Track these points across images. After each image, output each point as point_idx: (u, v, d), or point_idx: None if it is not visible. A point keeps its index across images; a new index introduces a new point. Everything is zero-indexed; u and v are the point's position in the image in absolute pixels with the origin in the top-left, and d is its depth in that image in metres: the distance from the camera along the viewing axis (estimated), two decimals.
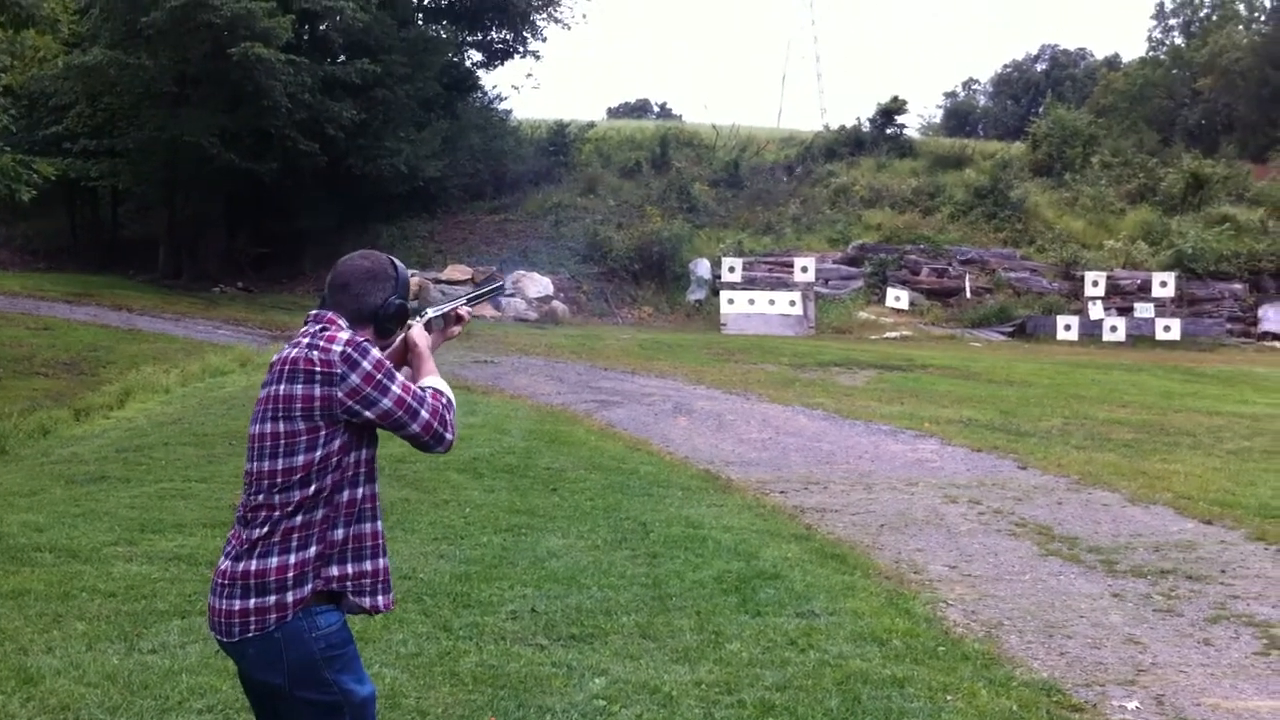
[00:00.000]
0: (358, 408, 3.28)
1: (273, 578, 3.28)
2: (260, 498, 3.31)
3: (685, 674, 5.76)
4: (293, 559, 3.29)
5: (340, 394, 3.26)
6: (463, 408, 14.57)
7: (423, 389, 3.40)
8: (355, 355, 3.28)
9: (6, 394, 15.56)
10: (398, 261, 3.56)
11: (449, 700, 5.38)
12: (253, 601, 3.28)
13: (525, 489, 10.21)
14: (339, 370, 3.25)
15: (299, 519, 3.30)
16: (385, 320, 3.47)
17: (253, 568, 3.28)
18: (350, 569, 3.38)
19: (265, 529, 3.29)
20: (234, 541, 3.37)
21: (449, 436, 3.42)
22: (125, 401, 14.82)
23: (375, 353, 3.33)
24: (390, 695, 5.27)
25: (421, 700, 5.35)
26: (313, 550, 3.31)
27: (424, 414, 3.35)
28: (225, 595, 3.33)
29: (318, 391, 3.26)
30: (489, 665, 5.81)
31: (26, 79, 28.08)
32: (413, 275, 29.20)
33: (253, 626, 3.28)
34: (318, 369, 3.26)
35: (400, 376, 3.37)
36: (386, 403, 3.29)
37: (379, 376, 3.29)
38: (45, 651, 5.89)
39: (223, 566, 3.36)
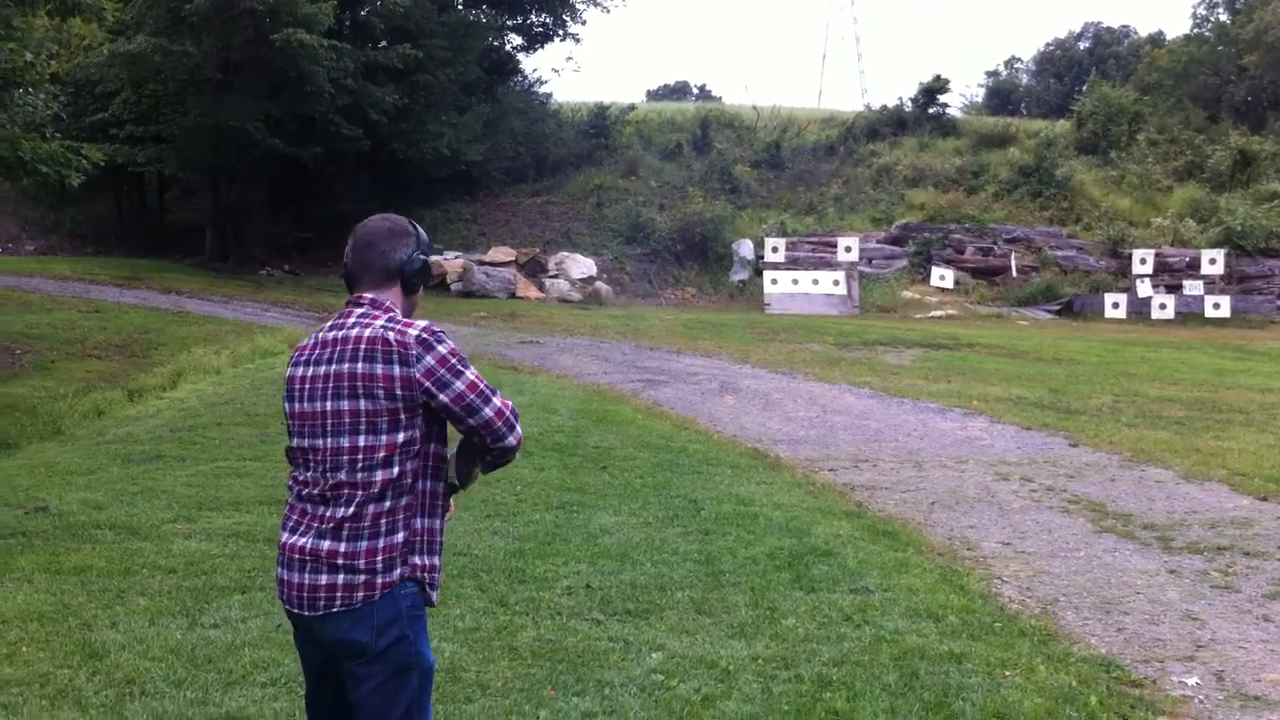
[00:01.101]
0: (433, 389, 3.32)
1: (362, 561, 3.33)
2: (342, 475, 3.34)
3: (742, 649, 5.79)
4: (382, 543, 3.34)
5: (418, 374, 3.31)
6: (510, 387, 14.68)
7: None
8: (430, 340, 3.35)
9: (61, 375, 15.77)
10: (415, 223, 3.62)
11: (508, 674, 5.42)
12: (341, 578, 3.33)
13: (575, 467, 10.25)
14: (414, 351, 3.31)
15: (386, 504, 3.34)
16: (410, 276, 3.53)
17: (341, 549, 3.33)
18: (425, 561, 3.45)
19: (350, 509, 3.33)
20: (307, 518, 3.40)
21: (520, 430, 3.48)
22: (177, 382, 14.98)
23: (449, 344, 3.38)
24: (450, 669, 5.32)
25: (481, 674, 5.40)
26: (400, 537, 3.37)
27: (496, 401, 3.41)
28: (309, 571, 3.37)
29: (397, 371, 3.31)
30: (546, 640, 5.86)
31: (73, 66, 28.37)
32: (456, 257, 29.38)
33: (339, 602, 3.33)
34: (395, 349, 3.31)
35: (474, 367, 3.43)
36: (460, 385, 3.34)
37: (453, 361, 3.35)
38: (109, 626, 5.99)
39: (300, 543, 3.38)
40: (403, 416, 3.34)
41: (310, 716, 3.66)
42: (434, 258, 3.80)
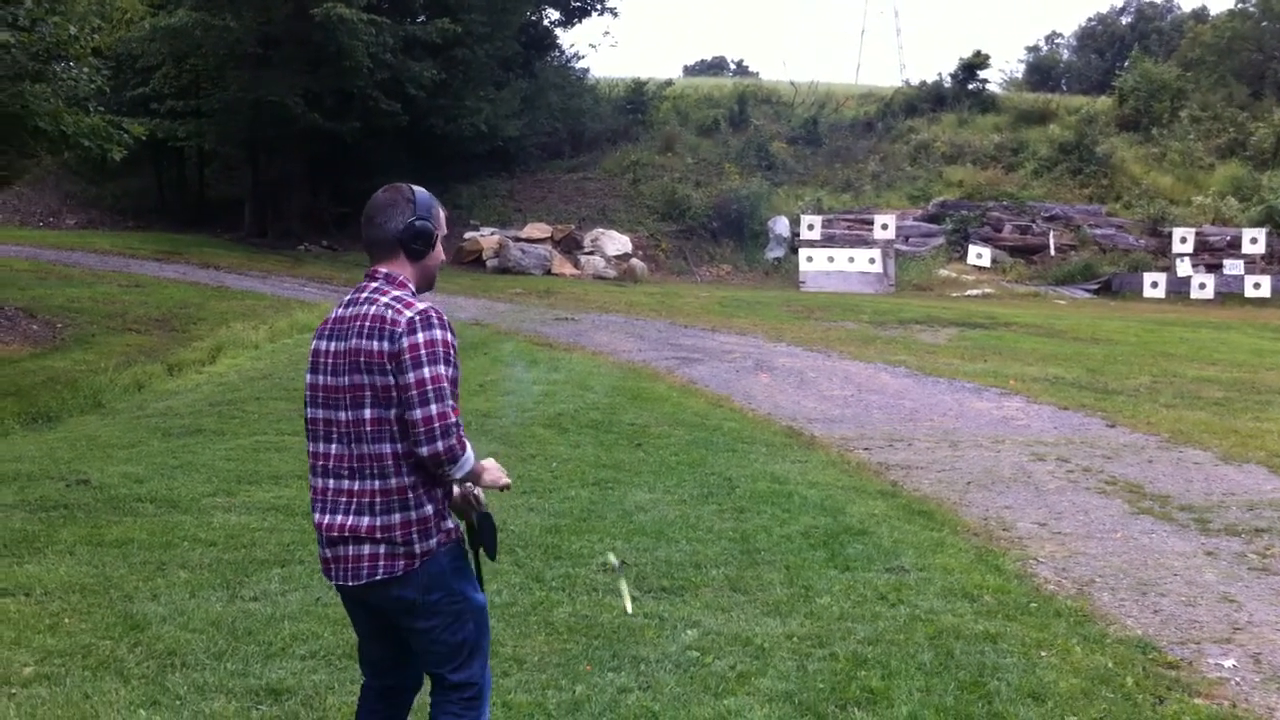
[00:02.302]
0: (399, 368, 3.39)
1: (399, 533, 3.46)
2: (365, 448, 3.45)
3: (776, 627, 5.81)
4: (415, 515, 3.47)
5: (392, 350, 3.39)
6: (545, 364, 14.75)
7: (454, 407, 3.42)
8: (419, 324, 3.41)
9: (101, 349, 15.93)
10: (417, 189, 3.66)
11: (545, 649, 5.47)
12: (383, 549, 3.47)
13: (610, 444, 10.29)
14: (401, 330, 3.39)
15: (406, 478, 3.45)
16: (410, 242, 3.58)
17: (378, 523, 3.45)
18: (454, 523, 3.61)
19: (376, 483, 3.45)
20: (331, 494, 3.52)
21: (439, 446, 3.36)
22: (216, 357, 15.12)
23: (440, 333, 3.42)
24: None
25: (518, 649, 5.45)
26: (429, 509, 3.50)
27: (433, 408, 3.36)
28: (349, 545, 3.50)
29: (386, 348, 3.40)
30: (582, 616, 5.90)
31: (114, 41, 28.55)
32: (492, 234, 29.42)
33: (381, 571, 3.48)
34: (388, 327, 3.40)
35: (449, 369, 3.42)
36: (418, 375, 3.37)
37: (424, 351, 3.38)
38: (150, 599, 6.08)
39: (334, 520, 3.50)
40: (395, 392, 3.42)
41: (365, 668, 3.82)
42: (441, 216, 3.78)
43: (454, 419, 3.40)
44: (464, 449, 3.44)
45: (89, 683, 5.01)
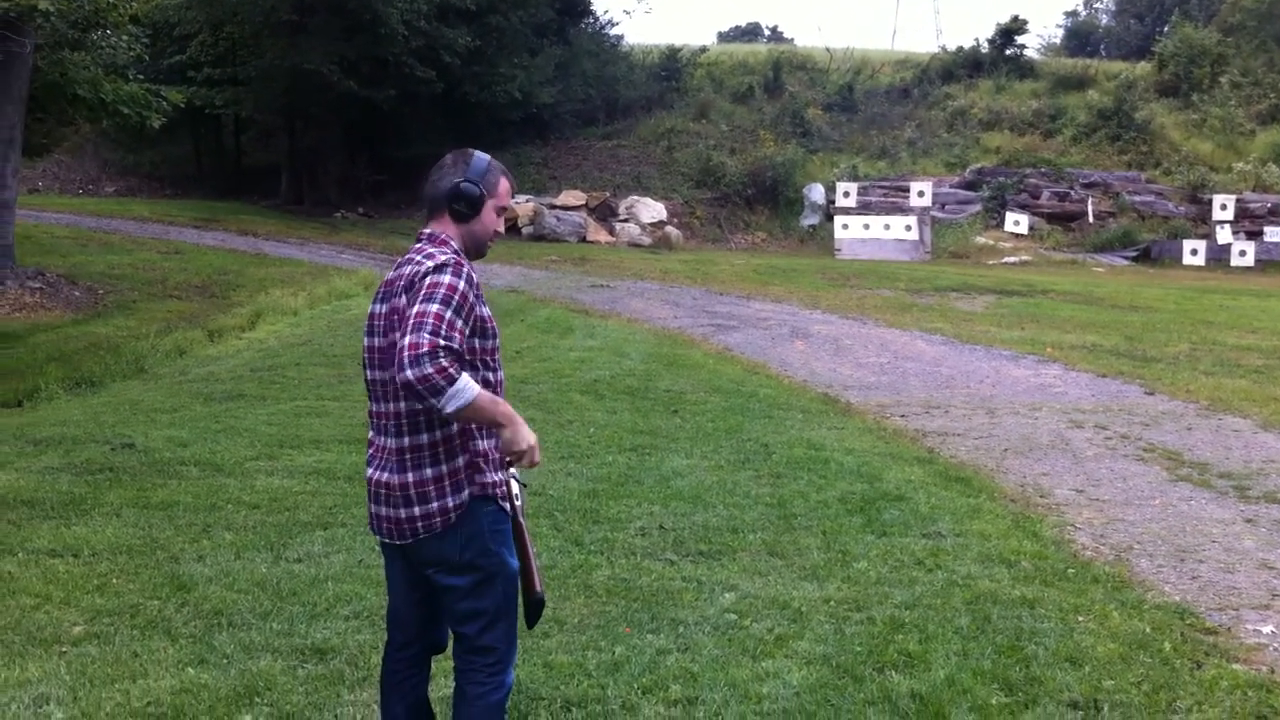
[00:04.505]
0: (406, 292, 3.40)
1: (431, 487, 3.51)
2: (401, 405, 3.50)
3: (814, 591, 5.84)
4: (445, 468, 3.51)
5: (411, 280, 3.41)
6: (582, 331, 14.79)
7: (444, 342, 3.27)
8: (434, 269, 3.40)
9: (142, 315, 16.11)
10: (481, 154, 3.66)
11: (584, 611, 5.52)
12: (418, 509, 3.52)
13: (647, 410, 10.33)
14: (422, 270, 3.41)
15: (438, 432, 3.49)
16: (454, 201, 3.58)
17: (410, 479, 3.51)
18: (495, 477, 3.61)
19: (406, 439, 3.51)
20: (379, 452, 3.61)
21: (409, 374, 3.20)
22: (256, 323, 15.26)
23: (452, 279, 3.38)
24: None
25: (558, 611, 5.50)
26: (460, 461, 3.53)
27: (409, 338, 3.23)
28: (388, 504, 3.57)
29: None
30: (621, 579, 5.95)
31: (151, 8, 28.68)
32: (527, 201, 29.43)
33: (421, 531, 3.54)
34: (415, 281, 3.42)
35: (448, 311, 3.31)
36: (417, 307, 3.30)
37: (436, 290, 3.33)
38: (196, 560, 6.17)
39: (380, 478, 3.58)
40: None
41: (392, 628, 3.85)
42: (507, 182, 3.77)
43: (427, 349, 3.22)
44: (448, 380, 3.24)
45: (137, 641, 5.10)
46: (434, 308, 3.30)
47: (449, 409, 3.28)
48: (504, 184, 3.71)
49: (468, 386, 3.27)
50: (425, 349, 3.21)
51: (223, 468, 8.02)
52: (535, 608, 3.73)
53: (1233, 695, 4.76)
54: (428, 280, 3.37)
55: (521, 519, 3.72)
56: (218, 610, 5.46)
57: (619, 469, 8.20)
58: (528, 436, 3.48)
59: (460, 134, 29.89)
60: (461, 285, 3.39)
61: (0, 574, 5.86)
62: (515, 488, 3.71)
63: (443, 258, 3.46)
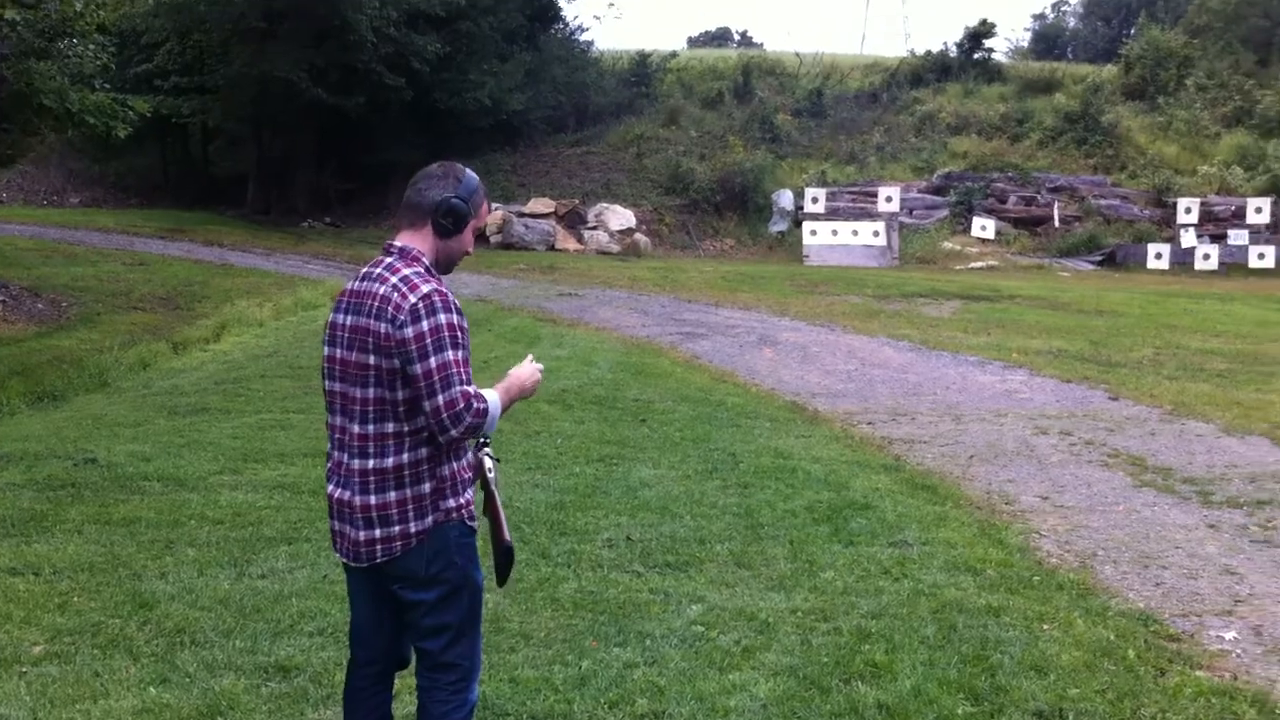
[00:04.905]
0: (404, 359, 3.40)
1: (394, 511, 3.50)
2: (370, 428, 3.48)
3: (781, 601, 5.85)
4: (410, 493, 3.50)
5: (398, 338, 3.39)
6: (549, 340, 14.76)
7: (467, 387, 3.42)
8: (424, 310, 3.39)
9: (106, 328, 15.98)
10: (470, 172, 3.66)
11: (551, 625, 5.51)
12: (378, 531, 3.51)
13: (614, 420, 10.32)
14: (404, 317, 3.38)
15: (406, 456, 3.47)
16: (441, 216, 3.56)
17: (373, 501, 3.49)
18: (456, 501, 3.60)
19: (371, 462, 3.48)
20: (342, 471, 3.57)
21: (453, 433, 3.41)
22: (221, 335, 15.16)
23: (445, 316, 3.41)
24: (494, 619, 5.41)
25: (524, 624, 5.49)
26: (426, 487, 3.52)
27: (442, 398, 3.37)
28: (350, 523, 3.55)
29: (391, 331, 3.40)
30: (588, 591, 5.94)
31: (118, 17, 28.47)
32: (495, 209, 29.36)
33: (380, 555, 3.53)
34: (390, 309, 3.40)
35: (458, 352, 3.42)
36: (420, 367, 3.37)
37: (429, 340, 3.37)
38: (159, 577, 6.12)
39: (342, 496, 3.56)
40: (400, 376, 3.43)
41: (355, 645, 3.83)
42: (487, 206, 3.79)
43: (463, 404, 3.38)
44: (483, 416, 3.42)
45: (99, 661, 5.06)
46: (449, 355, 3.38)
47: (490, 431, 3.51)
48: (485, 205, 3.74)
49: (493, 405, 3.47)
50: (461, 406, 3.37)
51: (186, 483, 7.96)
52: (505, 556, 3.70)
53: (1196, 702, 4.80)
54: (425, 325, 3.38)
55: (495, 490, 3.73)
56: (180, 628, 5.42)
57: (586, 480, 8.19)
58: (528, 380, 3.70)
59: (430, 142, 29.85)
60: (455, 319, 3.44)
61: None
62: (489, 464, 3.72)
63: (425, 287, 3.43)
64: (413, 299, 3.40)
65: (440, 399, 3.37)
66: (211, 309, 17.33)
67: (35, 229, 26.24)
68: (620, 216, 30.52)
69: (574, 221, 30.58)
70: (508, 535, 3.72)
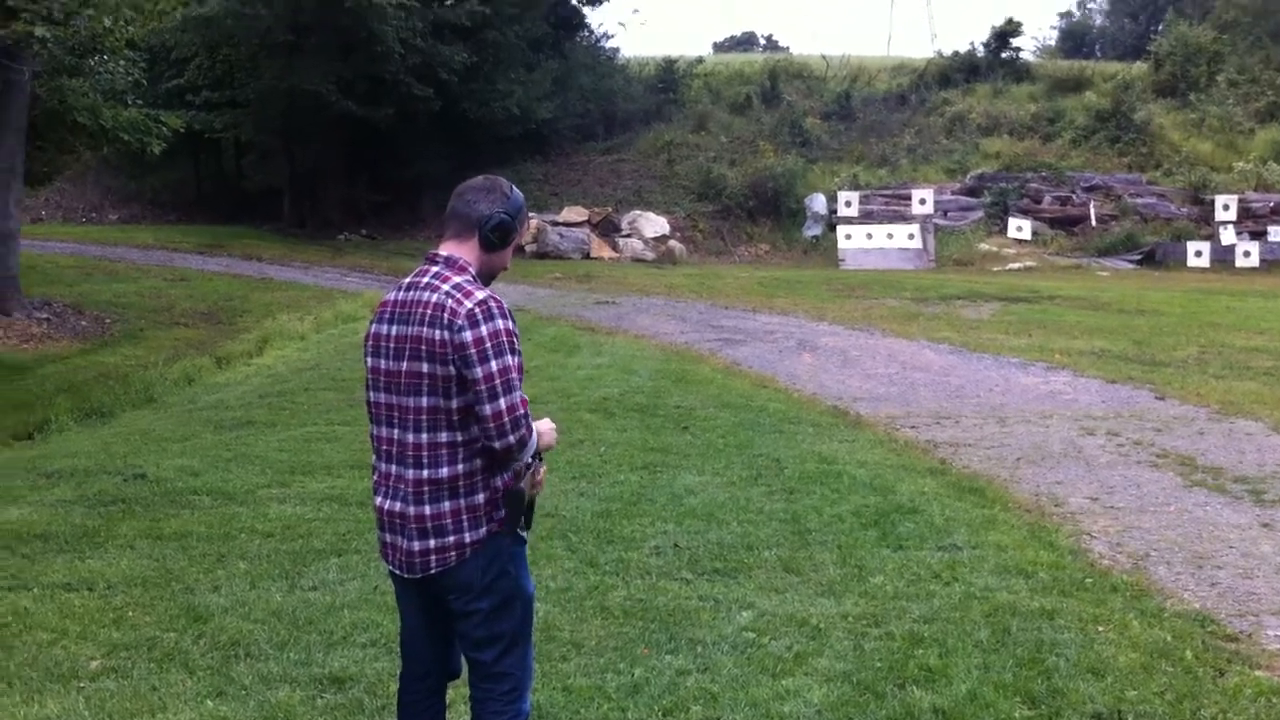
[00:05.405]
0: (464, 364, 3.40)
1: (449, 521, 3.50)
2: (424, 436, 3.47)
3: (831, 607, 5.82)
4: (464, 504, 3.49)
5: (455, 343, 3.39)
6: (589, 349, 14.79)
7: (521, 400, 3.46)
8: (480, 316, 3.40)
9: (150, 344, 16.12)
10: (514, 187, 3.68)
11: (601, 633, 5.51)
12: (433, 542, 3.51)
13: (657, 428, 10.31)
14: (460, 322, 3.38)
15: (460, 466, 3.47)
16: (489, 231, 3.56)
17: (427, 512, 3.49)
18: None
19: (425, 472, 3.48)
20: (391, 480, 3.56)
21: (510, 439, 3.43)
22: (264, 349, 15.27)
23: (503, 323, 3.43)
24: (545, 628, 5.41)
25: (575, 633, 5.49)
26: (480, 498, 3.52)
27: (502, 402, 3.40)
28: (402, 534, 3.54)
29: (447, 337, 3.40)
30: (637, 599, 5.93)
31: (147, 33, 28.73)
32: (530, 218, 29.43)
33: (434, 565, 3.53)
34: (446, 316, 3.40)
35: (515, 358, 3.45)
36: (485, 369, 3.38)
37: (489, 344, 3.39)
38: (211, 590, 6.15)
39: (393, 507, 3.55)
40: (455, 383, 3.43)
41: (407, 656, 3.84)
42: (527, 223, 3.79)
43: (523, 410, 3.43)
44: (531, 434, 3.50)
45: (155, 675, 5.09)
46: (507, 360, 3.42)
47: (527, 457, 3.51)
48: (527, 224, 3.75)
49: (534, 432, 3.52)
50: (521, 413, 3.43)
51: (235, 496, 8.01)
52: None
53: (1257, 703, 4.75)
54: (485, 330, 3.39)
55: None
56: (234, 641, 5.44)
57: (631, 488, 8.19)
58: (547, 433, 3.67)
59: (461, 152, 30.01)
60: (511, 325, 3.47)
61: (16, 609, 5.85)
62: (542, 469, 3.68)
63: (480, 294, 3.45)
64: (469, 304, 3.41)
65: (502, 403, 3.39)
66: (253, 323, 17.46)
67: (75, 246, 26.51)
68: (654, 223, 30.55)
69: (608, 229, 30.62)
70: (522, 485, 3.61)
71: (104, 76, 19.28)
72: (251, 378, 13.40)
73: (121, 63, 19.66)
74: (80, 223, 33.69)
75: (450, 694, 3.98)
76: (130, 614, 5.81)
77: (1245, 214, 29.99)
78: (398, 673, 3.95)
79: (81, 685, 4.99)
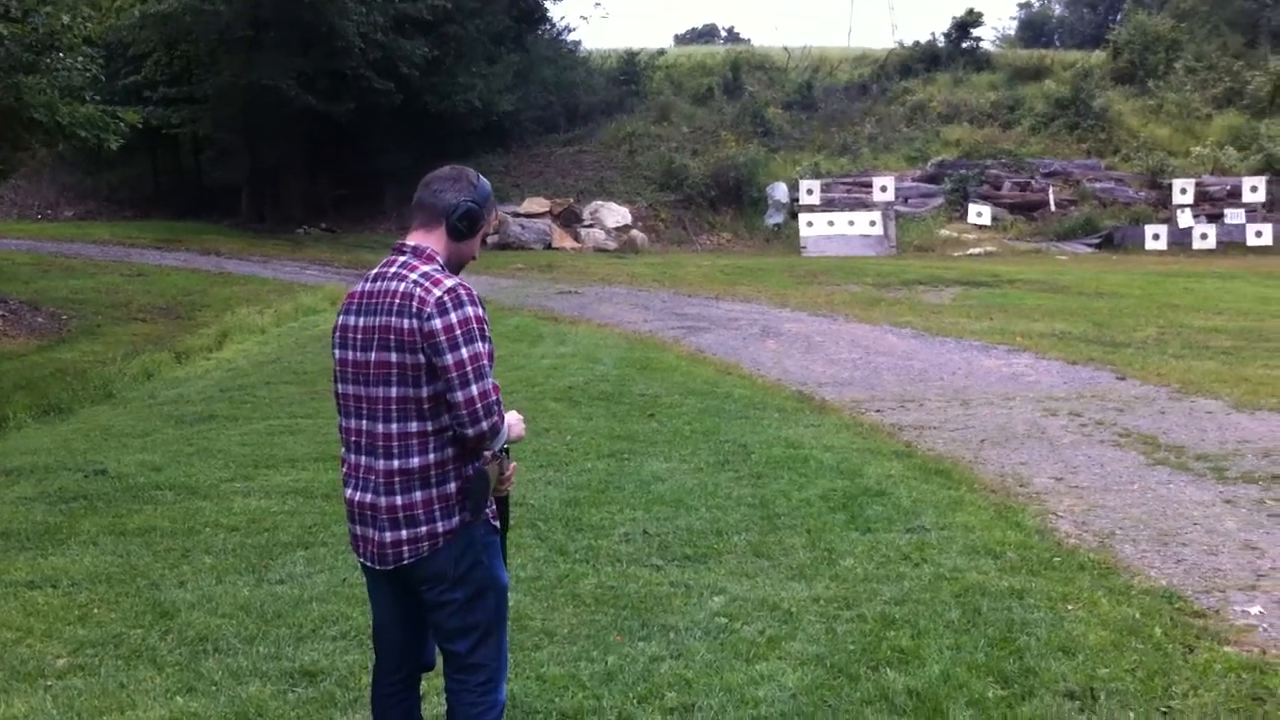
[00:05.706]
0: (435, 351, 3.37)
1: (421, 511, 3.46)
2: (393, 427, 3.44)
3: (802, 590, 5.83)
4: (436, 492, 3.46)
5: (425, 331, 3.36)
6: (552, 338, 14.74)
7: (493, 386, 3.44)
8: (450, 303, 3.37)
9: (108, 339, 15.94)
10: (482, 177, 3.66)
11: (573, 621, 5.49)
12: (405, 532, 3.47)
13: (623, 415, 10.29)
14: (430, 310, 3.35)
15: (431, 456, 3.44)
16: (456, 219, 3.55)
17: (399, 502, 3.45)
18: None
19: (396, 462, 3.44)
20: (361, 471, 3.52)
21: (483, 426, 3.40)
22: (223, 343, 15.13)
23: (472, 309, 3.40)
24: (517, 617, 5.38)
25: (547, 621, 5.46)
26: (452, 487, 3.48)
27: (474, 389, 3.37)
28: (373, 525, 3.51)
29: (416, 325, 3.37)
30: (608, 586, 5.92)
31: (104, 29, 28.40)
32: None
33: (406, 555, 3.49)
34: (415, 304, 3.37)
35: (485, 345, 3.42)
36: (456, 356, 3.35)
37: (459, 331, 3.36)
38: (177, 586, 6.09)
39: (364, 499, 3.51)
40: (424, 371, 3.41)
41: (380, 649, 3.80)
42: (495, 213, 3.75)
43: (494, 397, 3.41)
44: (503, 421, 3.49)
45: (123, 672, 5.03)
46: (478, 347, 3.39)
47: (498, 446, 3.50)
48: (495, 214, 3.73)
49: (505, 420, 3.52)
50: (493, 399, 3.41)
51: (198, 490, 7.93)
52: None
53: (1227, 678, 4.79)
54: (454, 317, 3.36)
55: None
56: (202, 636, 5.39)
57: (599, 475, 8.17)
58: (516, 425, 3.64)
59: (422, 146, 29.81)
60: (480, 312, 3.44)
61: None
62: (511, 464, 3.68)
63: (449, 282, 3.42)
64: (438, 292, 3.38)
65: (474, 389, 3.37)
66: (212, 317, 17.30)
67: (31, 243, 26.20)
68: (616, 214, 30.50)
69: (570, 220, 30.55)
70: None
71: (61, 73, 19.02)
72: (211, 372, 13.28)
73: (79, 59, 19.40)
74: (36, 220, 33.29)
75: (424, 685, 3.94)
76: (96, 611, 5.75)
77: (1202, 197, 30.27)
78: (370, 666, 3.91)
79: (49, 684, 4.93)
